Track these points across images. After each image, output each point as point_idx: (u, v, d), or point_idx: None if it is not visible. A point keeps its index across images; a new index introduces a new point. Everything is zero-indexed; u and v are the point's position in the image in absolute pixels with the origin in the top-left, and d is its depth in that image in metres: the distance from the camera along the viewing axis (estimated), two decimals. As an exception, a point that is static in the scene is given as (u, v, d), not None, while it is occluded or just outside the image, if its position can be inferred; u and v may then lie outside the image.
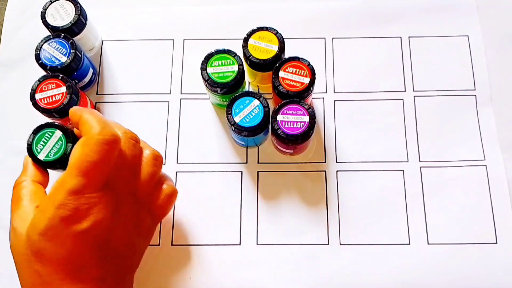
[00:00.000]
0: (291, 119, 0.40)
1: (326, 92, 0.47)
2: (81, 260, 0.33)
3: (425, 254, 0.42)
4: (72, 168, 0.33)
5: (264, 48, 0.42)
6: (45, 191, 0.37)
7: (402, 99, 0.47)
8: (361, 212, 0.44)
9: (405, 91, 0.47)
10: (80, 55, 0.43)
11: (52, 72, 0.42)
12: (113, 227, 0.34)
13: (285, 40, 0.42)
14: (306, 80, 0.41)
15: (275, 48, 0.42)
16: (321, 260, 0.42)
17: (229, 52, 0.42)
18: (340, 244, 0.43)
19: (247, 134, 0.40)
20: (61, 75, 0.41)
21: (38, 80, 0.41)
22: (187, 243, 0.43)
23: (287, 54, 0.43)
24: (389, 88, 0.47)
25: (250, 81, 0.47)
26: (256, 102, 0.40)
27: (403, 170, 0.45)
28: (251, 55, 0.41)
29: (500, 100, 0.47)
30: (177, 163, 0.45)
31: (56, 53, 0.42)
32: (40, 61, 0.42)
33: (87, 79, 0.46)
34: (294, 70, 0.41)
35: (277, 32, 0.42)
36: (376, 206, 0.44)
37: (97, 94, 0.48)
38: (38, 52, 0.42)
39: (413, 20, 0.49)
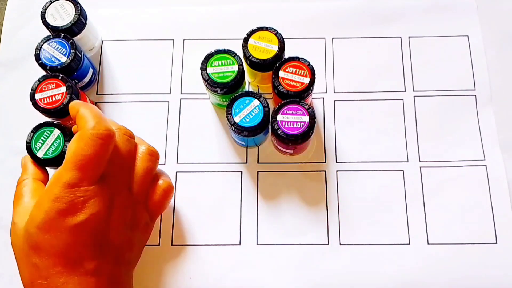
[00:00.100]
0: (291, 119, 0.40)
1: (326, 92, 0.47)
2: (78, 252, 0.33)
3: (425, 254, 0.42)
4: (68, 162, 0.33)
5: (264, 48, 0.42)
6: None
7: (402, 99, 0.47)
8: (361, 212, 0.44)
9: (405, 91, 0.47)
10: (80, 55, 0.43)
11: (52, 72, 0.42)
12: (108, 220, 0.34)
13: (285, 40, 0.42)
14: (306, 80, 0.41)
15: (275, 48, 0.42)
16: (321, 260, 0.42)
17: (229, 52, 0.42)
18: (340, 244, 0.43)
19: (247, 134, 0.40)
20: (61, 75, 0.41)
21: (38, 80, 0.41)
22: (187, 243, 0.43)
23: (287, 54, 0.43)
24: (389, 88, 0.47)
25: (250, 81, 0.47)
26: (256, 102, 0.40)
27: (403, 170, 0.45)
28: (251, 55, 0.41)
29: (500, 100, 0.47)
30: (177, 163, 0.45)
31: (56, 53, 0.42)
32: (40, 61, 0.42)
33: (87, 79, 0.46)
34: (294, 70, 0.41)
35: (277, 32, 0.42)
36: (376, 206, 0.44)
37: (97, 94, 0.48)
38: (38, 52, 0.42)
39: (413, 20, 0.49)
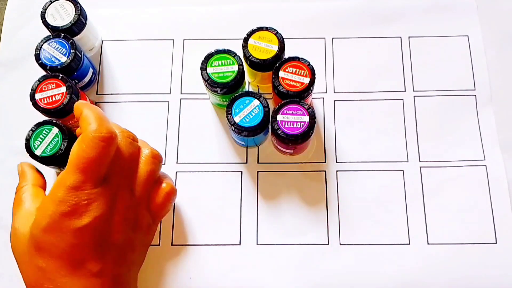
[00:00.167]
0: (291, 119, 0.40)
1: (326, 92, 0.47)
2: (82, 254, 0.34)
3: (425, 254, 0.42)
4: (71, 165, 0.34)
5: (264, 48, 0.42)
6: (45, 194, 0.38)
7: (402, 99, 0.47)
8: (361, 212, 0.44)
9: (405, 91, 0.47)
10: (80, 55, 0.43)
11: (52, 72, 0.42)
12: (111, 222, 0.35)
13: (285, 40, 0.42)
14: (306, 80, 0.41)
15: (275, 48, 0.42)
16: (321, 260, 0.42)
17: (229, 52, 0.42)
18: (340, 244, 0.43)
19: (247, 134, 0.40)
20: (61, 75, 0.41)
21: (38, 80, 0.41)
22: (187, 243, 0.43)
23: (287, 54, 0.43)
24: (389, 88, 0.47)
25: (250, 81, 0.47)
26: (256, 102, 0.40)
27: (403, 170, 0.45)
28: (251, 55, 0.41)
29: (500, 100, 0.47)
30: (177, 163, 0.45)
31: (56, 53, 0.42)
32: (40, 61, 0.42)
33: (87, 79, 0.46)
34: (294, 70, 0.41)
35: (277, 32, 0.42)
36: (376, 206, 0.44)
37: (97, 94, 0.48)
38: (38, 52, 0.42)
39: (413, 20, 0.49)
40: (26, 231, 0.34)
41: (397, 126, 0.46)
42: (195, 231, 0.43)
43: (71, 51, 0.42)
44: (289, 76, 0.41)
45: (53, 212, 0.33)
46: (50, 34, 0.43)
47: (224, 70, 0.41)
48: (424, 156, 0.45)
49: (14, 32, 0.50)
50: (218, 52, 0.42)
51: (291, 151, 0.44)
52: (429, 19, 0.49)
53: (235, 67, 0.41)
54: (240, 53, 0.42)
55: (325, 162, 0.45)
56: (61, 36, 0.43)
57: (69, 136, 0.40)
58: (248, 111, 0.40)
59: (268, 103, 0.40)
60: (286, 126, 0.39)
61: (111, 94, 0.48)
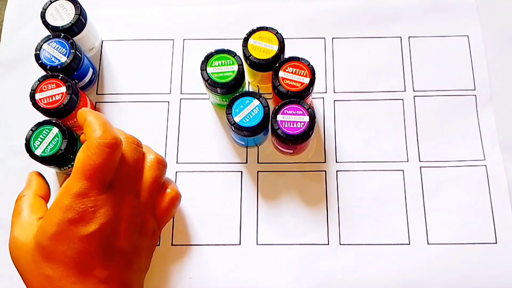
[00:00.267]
0: (291, 119, 0.40)
1: (326, 92, 0.47)
2: (90, 261, 0.34)
3: (425, 254, 0.42)
4: (76, 172, 0.34)
5: (264, 48, 0.42)
6: (46, 205, 0.38)
7: (402, 99, 0.47)
8: (361, 212, 0.44)
9: (405, 91, 0.47)
10: (80, 55, 0.43)
11: (52, 72, 0.42)
12: (118, 228, 0.35)
13: (285, 40, 0.42)
14: (306, 80, 0.41)
15: (275, 48, 0.42)
16: (321, 260, 0.42)
17: (229, 52, 0.42)
18: (340, 244, 0.43)
19: (247, 134, 0.40)
20: (61, 75, 0.41)
21: (38, 80, 0.41)
22: (187, 243, 0.43)
23: (287, 54, 0.43)
24: (389, 88, 0.47)
25: (250, 81, 0.47)
26: (256, 102, 0.40)
27: (403, 170, 0.45)
28: (251, 55, 0.41)
29: (500, 100, 0.47)
30: (177, 163, 0.45)
31: (56, 53, 0.42)
32: (40, 61, 0.42)
33: (87, 79, 0.46)
34: (294, 70, 0.41)
35: (277, 32, 0.42)
36: (376, 206, 0.44)
37: (97, 94, 0.48)
38: (38, 52, 0.42)
39: (413, 20, 0.49)
40: (28, 240, 0.34)
41: (397, 126, 0.46)
42: (195, 231, 0.43)
43: (71, 51, 0.42)
44: (289, 76, 0.41)
45: (60, 220, 0.33)
46: (50, 34, 0.43)
47: (224, 70, 0.41)
48: (424, 156, 0.45)
49: (14, 32, 0.50)
50: (218, 52, 0.42)
51: (291, 151, 0.44)
52: (429, 19, 0.49)
53: (235, 67, 0.41)
54: (240, 53, 0.42)
55: (325, 162, 0.45)
56: (61, 36, 0.43)
57: (69, 136, 0.40)
58: (248, 111, 0.40)
59: (268, 103, 0.40)
60: (286, 126, 0.39)
61: (111, 94, 0.48)
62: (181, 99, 0.47)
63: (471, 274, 0.42)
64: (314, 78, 0.41)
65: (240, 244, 0.43)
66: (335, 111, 0.47)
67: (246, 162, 0.45)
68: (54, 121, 0.40)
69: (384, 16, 0.49)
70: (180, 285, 0.42)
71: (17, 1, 0.51)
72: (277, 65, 0.41)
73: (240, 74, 0.41)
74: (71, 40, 0.42)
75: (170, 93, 0.48)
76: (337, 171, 0.45)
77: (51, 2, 0.44)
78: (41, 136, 0.39)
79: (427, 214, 0.43)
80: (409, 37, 0.49)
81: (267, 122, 0.40)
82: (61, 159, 0.39)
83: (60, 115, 0.41)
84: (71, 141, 0.40)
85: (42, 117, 0.41)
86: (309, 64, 0.41)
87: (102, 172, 0.34)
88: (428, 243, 0.43)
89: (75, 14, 0.43)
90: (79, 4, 0.44)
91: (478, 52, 0.48)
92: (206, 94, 0.47)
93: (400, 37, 0.49)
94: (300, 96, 0.41)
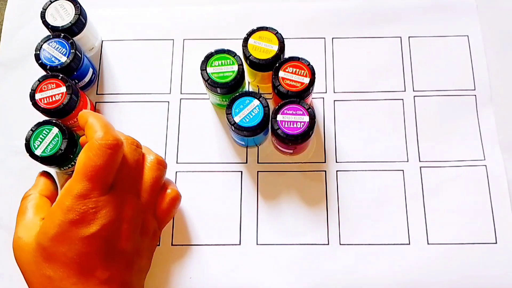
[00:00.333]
0: (291, 119, 0.40)
1: (326, 92, 0.47)
2: (91, 262, 0.34)
3: (425, 254, 0.42)
4: (78, 173, 0.34)
5: (264, 48, 0.42)
6: (51, 205, 0.38)
7: (402, 99, 0.47)
8: (361, 212, 0.44)
9: (405, 91, 0.47)
10: (80, 55, 0.43)
11: (52, 72, 0.42)
12: (119, 229, 0.35)
13: (285, 40, 0.42)
14: (306, 80, 0.41)
15: (275, 48, 0.42)
16: (321, 260, 0.42)
17: (229, 52, 0.42)
18: (340, 244, 0.43)
19: (247, 134, 0.40)
20: (61, 75, 0.41)
21: (38, 80, 0.41)
22: (187, 243, 0.43)
23: (287, 54, 0.43)
24: (389, 88, 0.47)
25: (250, 81, 0.47)
26: (256, 102, 0.40)
27: (403, 170, 0.45)
28: (251, 55, 0.41)
29: (500, 100, 0.47)
30: (177, 163, 0.45)
31: (56, 53, 0.42)
32: (40, 61, 0.42)
33: (87, 79, 0.46)
34: (294, 70, 0.41)
35: (277, 32, 0.42)
36: (376, 206, 0.44)
37: (97, 94, 0.48)
38: (38, 52, 0.42)
39: (413, 20, 0.49)
40: (30, 240, 0.34)
41: (397, 126, 0.46)
42: (195, 231, 0.43)
43: (71, 51, 0.42)
44: (289, 76, 0.41)
45: (61, 221, 0.33)
46: (50, 34, 0.43)
47: (224, 70, 0.41)
48: (424, 156, 0.45)
49: (14, 32, 0.50)
50: (218, 52, 0.42)
51: (291, 151, 0.44)
52: (429, 19, 0.49)
53: (235, 67, 0.41)
54: (240, 53, 0.42)
55: (325, 162, 0.45)
56: (61, 36, 0.43)
57: (69, 136, 0.40)
58: (248, 111, 0.40)
59: (268, 103, 0.40)
60: (286, 126, 0.39)
61: (111, 94, 0.48)
62: (181, 99, 0.47)
63: (471, 274, 0.42)
64: (314, 78, 0.41)
65: (240, 244, 0.43)
66: (335, 111, 0.47)
67: (246, 162, 0.45)
68: (54, 121, 0.40)
69: (384, 16, 0.49)
70: (180, 285, 0.42)
71: (17, 1, 0.51)
72: (277, 65, 0.41)
73: (240, 74, 0.41)
74: (71, 40, 0.42)
75: (170, 93, 0.48)
76: (337, 171, 0.45)
77: (51, 2, 0.44)
78: (41, 136, 0.39)
79: (427, 214, 0.43)
80: (409, 37, 0.49)
81: (267, 122, 0.40)
82: (61, 159, 0.39)
83: (60, 115, 0.41)
84: (71, 141, 0.40)
85: (42, 117, 0.41)
86: (309, 64, 0.41)
87: (103, 173, 0.34)
88: (428, 243, 0.43)
89: (75, 14, 0.43)
90: (79, 4, 0.44)
91: (478, 52, 0.48)
92: (206, 94, 0.47)
93: (400, 37, 0.49)
94: (300, 96, 0.41)
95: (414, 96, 0.47)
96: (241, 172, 0.45)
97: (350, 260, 0.42)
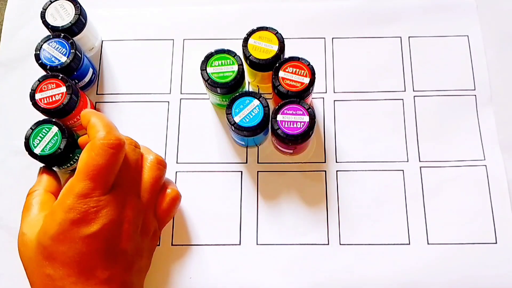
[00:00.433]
0: (291, 119, 0.40)
1: (326, 92, 0.47)
2: (91, 262, 0.34)
3: (425, 254, 0.42)
4: (80, 172, 0.34)
5: (264, 48, 0.42)
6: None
7: (402, 99, 0.47)
8: (361, 212, 0.44)
9: (405, 91, 0.47)
10: (80, 55, 0.43)
11: (52, 72, 0.42)
12: (120, 229, 0.35)
13: (285, 40, 0.42)
14: (306, 80, 0.41)
15: (275, 48, 0.42)
16: (321, 260, 0.42)
17: (229, 52, 0.42)
18: (340, 244, 0.43)
19: (247, 134, 0.40)
20: (61, 75, 0.41)
21: (38, 80, 0.41)
22: (187, 243, 0.43)
23: (287, 54, 0.43)
24: (389, 88, 0.47)
25: (250, 81, 0.47)
26: (256, 102, 0.40)
27: (403, 170, 0.45)
28: (251, 55, 0.41)
29: (500, 100, 0.47)
30: (177, 163, 0.45)
31: (56, 53, 0.42)
32: (40, 61, 0.42)
33: (87, 79, 0.46)
34: (294, 70, 0.41)
35: (277, 32, 0.42)
36: (376, 206, 0.44)
37: (97, 94, 0.48)
38: (38, 52, 0.42)
39: (413, 20, 0.49)
40: (33, 237, 0.34)
41: (397, 126, 0.46)
42: (195, 231, 0.43)
43: (71, 51, 0.42)
44: (289, 76, 0.41)
45: (62, 219, 0.33)
46: (50, 34, 0.43)
47: (224, 70, 0.41)
48: (424, 156, 0.45)
49: (14, 32, 0.50)
50: (218, 52, 0.42)
51: (291, 151, 0.44)
52: (429, 19, 0.49)
53: (235, 67, 0.41)
54: (240, 53, 0.42)
55: (325, 162, 0.45)
56: (61, 36, 0.43)
57: (69, 135, 0.40)
58: (248, 111, 0.40)
59: (268, 103, 0.40)
60: (286, 126, 0.39)
61: (111, 94, 0.48)
62: (181, 99, 0.47)
63: (471, 274, 0.42)
64: (314, 78, 0.41)
65: (240, 244, 0.43)
66: (335, 111, 0.47)
67: (246, 162, 0.45)
68: (53, 119, 0.40)
69: (384, 16, 0.49)
70: (180, 285, 0.42)
71: (17, 1, 0.51)
72: (277, 65, 0.41)
73: (240, 74, 0.41)
74: (71, 40, 0.42)
75: (170, 93, 0.48)
76: (337, 171, 0.45)
77: (51, 2, 0.44)
78: (40, 134, 0.39)
79: (427, 214, 0.43)
80: (409, 37, 0.49)
81: (267, 122, 0.40)
82: (60, 158, 0.39)
83: (60, 115, 0.41)
84: (70, 140, 0.40)
85: (42, 117, 0.41)
86: (309, 64, 0.41)
87: (105, 173, 0.34)
88: (428, 243, 0.43)
89: (75, 14, 0.43)
90: (79, 4, 0.44)
91: (478, 52, 0.48)
92: (206, 94, 0.47)
93: (400, 37, 0.49)
94: (300, 96, 0.41)
95: (414, 96, 0.47)
96: (241, 172, 0.45)
97: (350, 260, 0.42)
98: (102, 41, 0.49)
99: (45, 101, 0.40)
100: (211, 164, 0.45)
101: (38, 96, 0.40)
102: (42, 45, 0.42)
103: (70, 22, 0.43)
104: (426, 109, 0.47)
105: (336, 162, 0.45)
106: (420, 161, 0.45)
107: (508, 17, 0.49)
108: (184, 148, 0.46)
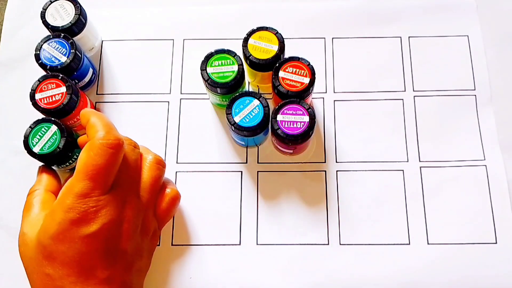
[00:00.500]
0: (291, 119, 0.40)
1: (326, 92, 0.47)
2: (91, 262, 0.34)
3: (425, 254, 0.42)
4: (79, 172, 0.34)
5: (264, 48, 0.42)
6: None
7: (402, 99, 0.47)
8: (361, 212, 0.44)
9: (405, 91, 0.47)
10: (80, 55, 0.43)
11: (52, 72, 0.42)
12: (120, 229, 0.35)
13: (285, 40, 0.42)
14: (306, 80, 0.41)
15: (275, 48, 0.42)
16: (321, 260, 0.42)
17: (229, 52, 0.42)
18: (340, 244, 0.43)
19: (247, 134, 0.40)
20: (61, 75, 0.41)
21: (38, 80, 0.41)
22: (187, 243, 0.43)
23: (287, 54, 0.43)
24: (389, 88, 0.47)
25: (250, 81, 0.47)
26: (256, 102, 0.40)
27: (403, 170, 0.45)
28: (251, 55, 0.41)
29: (500, 100, 0.47)
30: (177, 163, 0.45)
31: (56, 53, 0.42)
32: (40, 61, 0.42)
33: (87, 79, 0.46)
34: (294, 70, 0.41)
35: (277, 32, 0.42)
36: (376, 206, 0.44)
37: (97, 94, 0.48)
38: (38, 52, 0.42)
39: (413, 20, 0.49)
40: (34, 237, 0.34)
41: (397, 126, 0.46)
42: (195, 231, 0.43)
43: (71, 51, 0.42)
44: (289, 76, 0.41)
45: (61, 219, 0.33)
46: (50, 34, 0.43)
47: (224, 70, 0.41)
48: (424, 156, 0.45)
49: (14, 32, 0.50)
50: (218, 52, 0.42)
51: (291, 151, 0.44)
52: (429, 19, 0.49)
53: (235, 67, 0.41)
54: (240, 53, 0.42)
55: (325, 162, 0.45)
56: (61, 36, 0.43)
57: (68, 134, 0.40)
58: (248, 111, 0.40)
59: (268, 103, 0.40)
60: (286, 126, 0.39)
61: (111, 94, 0.48)
62: (181, 99, 0.47)
63: (471, 274, 0.42)
64: (314, 78, 0.41)
65: (240, 244, 0.43)
66: (335, 111, 0.47)
67: (246, 162, 0.45)
68: (53, 118, 0.40)
69: (384, 16, 0.49)
70: (180, 285, 0.42)
71: (17, 1, 0.51)
72: (277, 65, 0.41)
73: (240, 74, 0.41)
74: (71, 40, 0.42)
75: (170, 93, 0.48)
76: (337, 171, 0.45)
77: (51, 2, 0.44)
78: (39, 133, 0.39)
79: (427, 214, 0.43)
80: (409, 37, 0.49)
81: (267, 122, 0.40)
82: (59, 157, 0.39)
83: (60, 115, 0.41)
84: (69, 139, 0.40)
85: (42, 117, 0.41)
86: (309, 64, 0.41)
87: (104, 172, 0.34)
88: (428, 243, 0.43)
89: (75, 14, 0.43)
90: (79, 4, 0.44)
91: (478, 52, 0.48)
92: (206, 94, 0.47)
93: (400, 37, 0.49)
94: (300, 96, 0.41)
95: (414, 96, 0.47)
96: (241, 172, 0.45)
97: (350, 260, 0.42)
98: (102, 41, 0.49)
99: (45, 101, 0.40)
100: (211, 164, 0.45)
101: (38, 96, 0.40)
102: (42, 45, 0.42)
103: (70, 22, 0.43)
104: (426, 109, 0.47)
105: (336, 162, 0.45)
106: (420, 161, 0.45)
107: (508, 17, 0.49)
108: (184, 148, 0.46)
